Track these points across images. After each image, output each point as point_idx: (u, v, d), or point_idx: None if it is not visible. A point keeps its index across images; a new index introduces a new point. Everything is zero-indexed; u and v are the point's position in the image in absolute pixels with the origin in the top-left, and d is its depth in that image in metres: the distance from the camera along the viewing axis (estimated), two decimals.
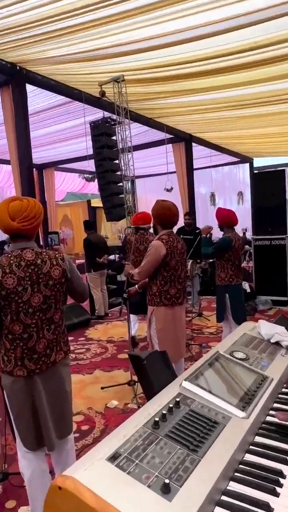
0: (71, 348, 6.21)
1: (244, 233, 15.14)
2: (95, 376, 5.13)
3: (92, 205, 18.93)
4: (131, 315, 6.55)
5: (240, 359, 1.60)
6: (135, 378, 4.59)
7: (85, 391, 4.69)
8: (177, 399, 1.24)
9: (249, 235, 11.99)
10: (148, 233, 5.80)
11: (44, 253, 2.38)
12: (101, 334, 7.08)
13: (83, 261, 13.65)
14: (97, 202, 16.57)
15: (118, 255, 10.66)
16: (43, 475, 2.44)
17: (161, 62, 5.95)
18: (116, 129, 7.39)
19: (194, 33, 5.07)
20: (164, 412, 1.17)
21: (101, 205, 7.99)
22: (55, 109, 8.10)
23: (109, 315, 8.47)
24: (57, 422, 2.43)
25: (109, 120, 7.46)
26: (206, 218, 16.66)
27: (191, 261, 6.34)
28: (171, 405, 1.20)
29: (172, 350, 3.64)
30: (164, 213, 3.70)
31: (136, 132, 9.80)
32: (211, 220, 14.88)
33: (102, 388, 4.68)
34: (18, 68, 6.09)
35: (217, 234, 6.22)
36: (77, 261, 15.26)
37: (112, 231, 20.04)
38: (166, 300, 3.67)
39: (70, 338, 6.82)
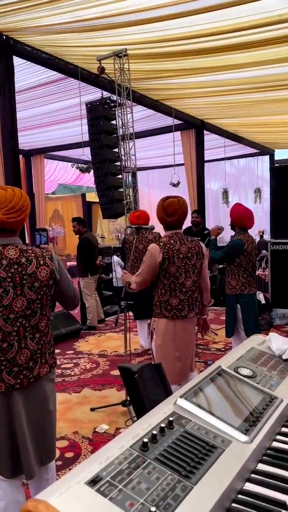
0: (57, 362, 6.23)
1: (261, 236, 15.21)
2: (83, 395, 5.14)
3: (87, 199, 19.00)
4: (140, 322, 6.68)
5: (246, 376, 1.61)
6: None
7: (71, 412, 4.70)
8: (171, 419, 1.25)
9: (267, 238, 12.01)
10: (148, 232, 6.01)
11: (30, 251, 2.38)
12: (92, 346, 7.10)
13: (75, 263, 13.68)
14: (93, 197, 16.61)
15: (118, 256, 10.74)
16: (19, 508, 2.43)
17: (170, 35, 5.98)
18: (117, 112, 7.43)
19: (209, 1, 5.08)
20: (155, 432, 1.17)
21: (97, 200, 8.03)
22: (46, 87, 8.15)
23: (106, 320, 8.63)
24: (38, 446, 2.43)
25: (108, 101, 7.50)
26: (217, 218, 16.74)
27: None
28: (163, 425, 1.21)
29: (170, 371, 3.65)
30: (162, 211, 3.67)
31: (139, 117, 9.85)
32: (222, 220, 14.95)
33: (91, 409, 4.69)
34: (4, 38, 6.13)
35: (224, 233, 6.23)
36: (69, 264, 15.32)
37: (109, 230, 20.08)
38: (166, 311, 3.68)
39: (56, 351, 6.86)
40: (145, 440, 1.14)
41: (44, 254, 2.43)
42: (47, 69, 7.25)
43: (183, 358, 3.77)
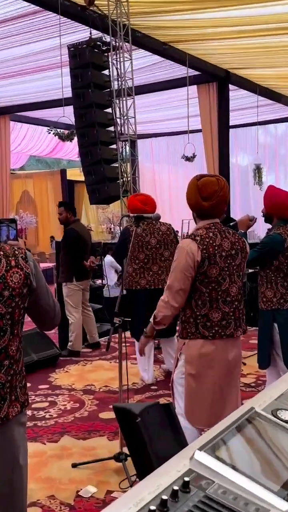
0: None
1: None
2: (62, 446, 5.14)
3: (67, 177, 19.00)
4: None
5: None
6: (126, 450, 4.59)
7: (46, 469, 4.70)
8: (186, 479, 1.25)
9: None
10: (158, 223, 5.98)
11: None
12: (75, 379, 7.10)
13: (50, 265, 13.67)
14: (76, 174, 16.60)
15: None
16: None
17: None
18: (110, 59, 7.44)
19: None
20: (165, 497, 1.18)
21: (82, 178, 8.03)
22: (15, 22, 8.15)
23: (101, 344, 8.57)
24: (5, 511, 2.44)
25: (98, 43, 7.51)
26: (246, 204, 16.75)
27: None
28: (176, 488, 1.22)
29: (208, 409, 3.65)
30: (196, 193, 3.62)
31: (141, 65, 9.85)
32: (253, 208, 14.92)
33: (73, 465, 4.69)
34: None
35: (256, 225, 6.24)
36: (42, 265, 15.33)
37: (98, 220, 20.06)
38: (205, 329, 3.62)
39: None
40: (152, 508, 1.14)
41: (16, 252, 2.38)
42: None
43: (226, 392, 3.74)
